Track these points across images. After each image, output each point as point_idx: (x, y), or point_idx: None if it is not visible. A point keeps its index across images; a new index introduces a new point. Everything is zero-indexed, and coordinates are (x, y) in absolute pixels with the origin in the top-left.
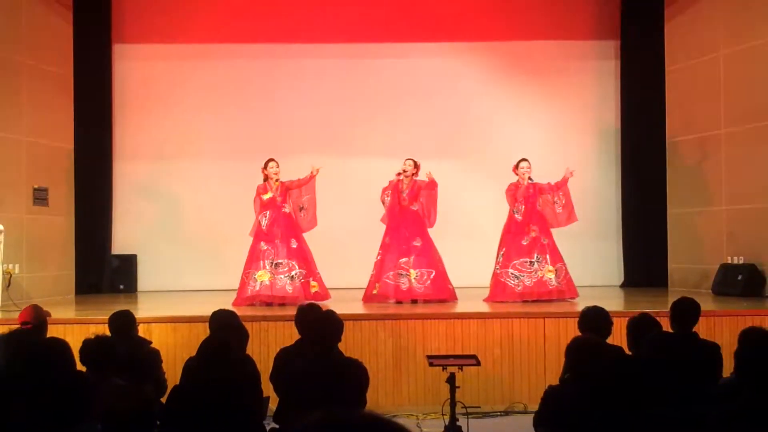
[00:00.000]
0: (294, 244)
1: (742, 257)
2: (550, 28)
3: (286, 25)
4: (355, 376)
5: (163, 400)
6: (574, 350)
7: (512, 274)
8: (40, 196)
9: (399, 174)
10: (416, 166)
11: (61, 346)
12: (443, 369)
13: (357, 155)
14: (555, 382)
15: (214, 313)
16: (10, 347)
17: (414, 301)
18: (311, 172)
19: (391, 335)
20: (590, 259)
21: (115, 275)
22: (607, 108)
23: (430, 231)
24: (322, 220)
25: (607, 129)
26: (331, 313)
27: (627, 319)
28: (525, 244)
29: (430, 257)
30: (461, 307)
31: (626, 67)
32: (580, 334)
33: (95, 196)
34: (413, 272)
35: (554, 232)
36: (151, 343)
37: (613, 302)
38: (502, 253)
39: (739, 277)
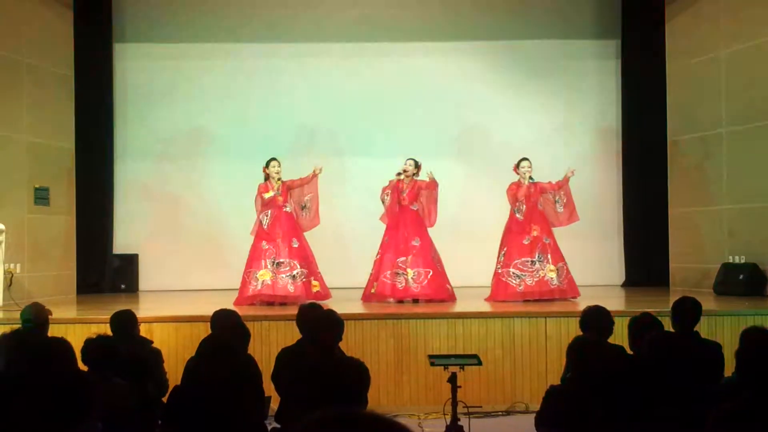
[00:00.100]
0: (295, 244)
1: (743, 256)
2: (550, 28)
3: (287, 25)
4: (357, 375)
5: (165, 399)
6: (575, 350)
7: (514, 273)
8: (41, 196)
9: (399, 174)
10: (417, 166)
11: (63, 345)
12: (445, 368)
13: (357, 155)
14: (556, 381)
15: (216, 313)
16: (11, 346)
17: (416, 301)
18: (313, 172)
19: (392, 335)
20: (591, 259)
21: (117, 275)
22: (607, 107)
23: (431, 231)
24: (323, 220)
25: (608, 128)
26: (332, 313)
27: (628, 318)
28: (526, 243)
29: (428, 257)
30: (462, 306)
31: (627, 66)
32: (581, 333)
33: (96, 195)
34: (410, 272)
35: (555, 231)
36: (152, 342)
37: (614, 302)
38: (503, 252)
39: (741, 277)
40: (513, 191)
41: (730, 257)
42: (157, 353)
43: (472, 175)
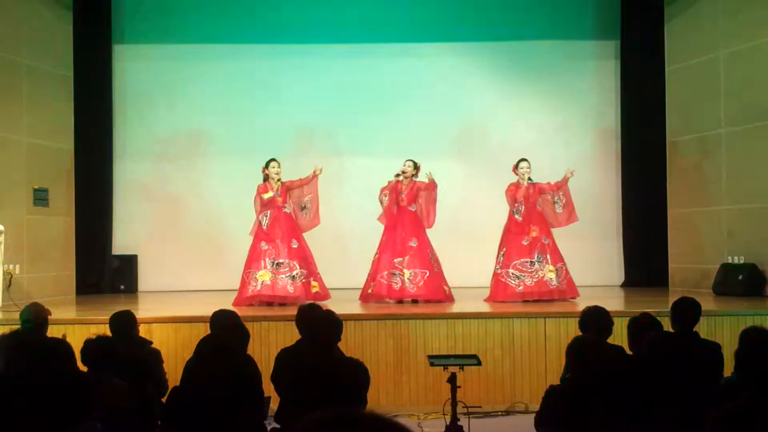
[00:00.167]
0: (295, 244)
1: (742, 257)
2: (549, 29)
3: (287, 25)
4: (356, 375)
5: (164, 400)
6: (574, 350)
7: (513, 274)
8: (40, 197)
9: (398, 175)
10: (416, 167)
11: (62, 345)
12: (444, 369)
13: (357, 155)
14: (556, 381)
15: (215, 314)
16: (11, 347)
17: (415, 301)
18: (313, 172)
19: (391, 335)
20: (591, 259)
21: (116, 275)
22: (607, 108)
23: (430, 231)
24: (323, 221)
25: (607, 129)
26: (331, 313)
27: (628, 318)
28: (525, 244)
29: (425, 258)
30: (462, 307)
31: (626, 66)
32: (580, 333)
33: (96, 196)
34: (407, 272)
35: (555, 232)
36: (151, 343)
37: (613, 302)
38: (502, 253)
39: (740, 277)
40: (512, 192)
41: (730, 257)
42: (157, 354)
43: (472, 175)
